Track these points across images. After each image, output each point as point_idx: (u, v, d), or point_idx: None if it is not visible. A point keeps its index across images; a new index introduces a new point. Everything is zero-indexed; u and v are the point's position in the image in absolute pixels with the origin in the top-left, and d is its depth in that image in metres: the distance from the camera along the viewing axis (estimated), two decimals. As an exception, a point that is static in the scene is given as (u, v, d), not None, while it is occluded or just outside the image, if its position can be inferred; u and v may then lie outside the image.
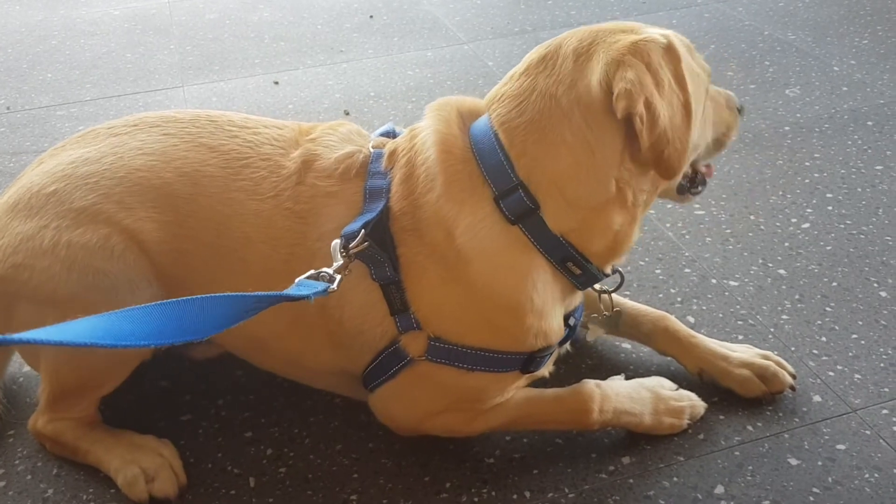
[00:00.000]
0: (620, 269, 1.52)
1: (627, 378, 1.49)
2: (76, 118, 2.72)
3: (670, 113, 1.17)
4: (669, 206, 2.10)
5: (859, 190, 2.13)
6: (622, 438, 1.43)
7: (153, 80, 3.00)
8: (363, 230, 1.20)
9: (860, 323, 1.68)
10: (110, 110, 2.77)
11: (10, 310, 1.32)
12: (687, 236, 1.98)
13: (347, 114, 2.65)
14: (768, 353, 1.53)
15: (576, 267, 1.26)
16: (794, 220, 2.02)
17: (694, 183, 1.44)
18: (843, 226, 1.99)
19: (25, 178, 1.39)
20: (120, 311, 0.89)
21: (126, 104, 2.81)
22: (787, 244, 1.94)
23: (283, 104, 2.77)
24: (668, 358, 1.57)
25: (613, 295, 1.56)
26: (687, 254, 1.92)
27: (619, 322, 1.57)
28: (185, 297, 0.95)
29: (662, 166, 1.19)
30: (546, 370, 1.41)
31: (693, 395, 1.46)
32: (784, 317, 1.71)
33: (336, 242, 1.18)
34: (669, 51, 1.20)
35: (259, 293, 1.01)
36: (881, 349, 1.61)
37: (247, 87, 2.91)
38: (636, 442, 1.42)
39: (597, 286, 1.46)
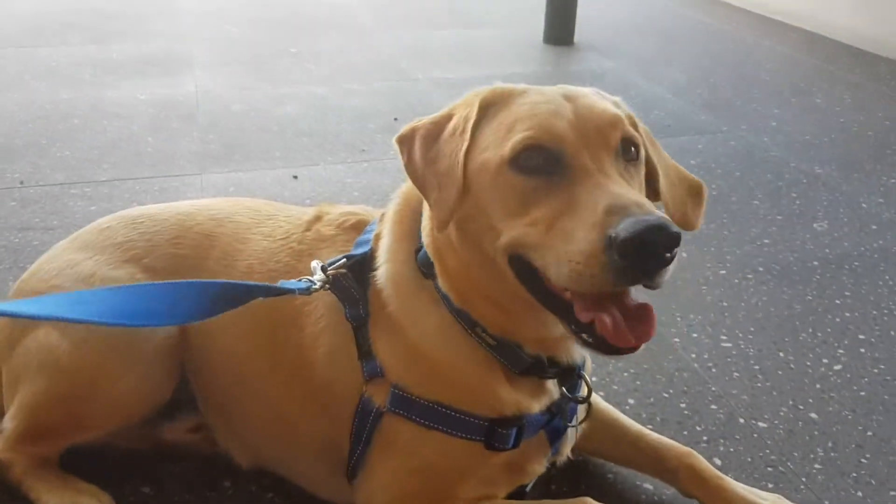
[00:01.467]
0: (588, 379, 1.32)
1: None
2: (89, 198, 2.67)
3: (434, 160, 1.16)
4: (695, 335, 2.00)
5: (892, 333, 2.04)
6: None
7: (172, 165, 2.97)
8: (344, 259, 1.29)
9: (901, 480, 1.55)
10: (125, 193, 2.73)
11: (31, 330, 1.37)
12: (714, 370, 1.88)
13: (396, 120, 2.60)
14: (801, 507, 1.41)
15: (486, 335, 1.20)
16: (825, 361, 1.92)
17: (581, 326, 1.06)
18: (876, 370, 1.89)
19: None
20: (117, 286, 1.06)
21: (142, 188, 2.77)
22: (818, 386, 1.83)
23: (300, 198, 2.72)
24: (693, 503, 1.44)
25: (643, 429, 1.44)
26: (714, 388, 1.81)
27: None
28: (182, 280, 1.08)
29: (433, 214, 1.16)
30: (529, 463, 1.29)
31: None
32: (817, 466, 1.59)
33: (315, 262, 1.28)
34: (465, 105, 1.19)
35: (250, 283, 1.15)
36: (925, 512, 1.48)
37: (266, 179, 2.88)
38: None
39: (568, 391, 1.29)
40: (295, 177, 2.90)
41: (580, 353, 1.28)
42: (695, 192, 1.29)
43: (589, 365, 1.39)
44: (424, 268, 1.24)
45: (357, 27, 5.11)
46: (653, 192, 1.23)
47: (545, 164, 1.08)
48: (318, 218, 1.43)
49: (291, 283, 1.23)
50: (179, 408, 1.52)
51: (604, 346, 1.04)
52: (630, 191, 1.04)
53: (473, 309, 1.21)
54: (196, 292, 1.10)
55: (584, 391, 1.32)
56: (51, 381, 1.35)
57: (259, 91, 3.82)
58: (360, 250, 1.32)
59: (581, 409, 1.35)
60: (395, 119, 3.46)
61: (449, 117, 1.19)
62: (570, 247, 1.00)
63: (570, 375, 1.28)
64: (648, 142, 1.23)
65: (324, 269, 1.27)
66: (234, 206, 1.52)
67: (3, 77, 3.89)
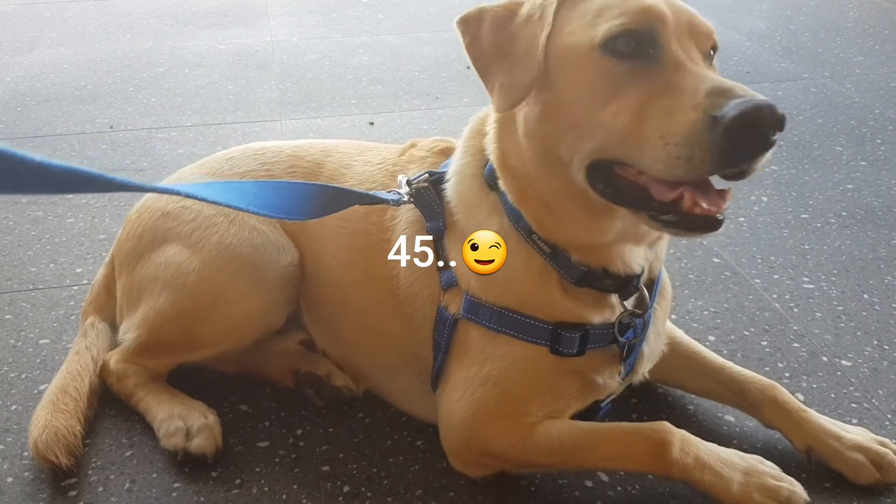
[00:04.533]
0: (645, 291, 1.32)
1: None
2: (176, 141, 2.76)
3: (501, 41, 1.18)
4: (776, 276, 1.99)
5: (983, 278, 1.99)
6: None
7: (252, 112, 3.04)
8: (427, 174, 1.35)
9: None
10: (209, 137, 2.81)
11: (160, 245, 1.46)
12: (795, 310, 1.87)
13: (469, 68, 2.63)
14: (886, 440, 1.41)
15: (542, 242, 1.24)
16: (912, 303, 1.89)
17: (661, 208, 1.06)
18: (966, 314, 1.85)
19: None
20: (254, 182, 1.15)
21: (224, 132, 2.85)
22: (904, 327, 1.81)
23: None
24: (777, 436, 1.45)
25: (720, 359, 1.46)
26: (795, 328, 1.81)
27: None
28: (294, 182, 1.22)
29: (493, 97, 1.17)
30: (600, 375, 1.29)
31: (796, 482, 1.28)
32: (903, 404, 1.58)
33: (402, 177, 1.36)
34: None
35: (355, 189, 1.31)
36: None
37: (342, 126, 2.93)
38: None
39: (627, 303, 1.31)
40: (371, 123, 2.94)
41: (637, 262, 1.27)
42: None
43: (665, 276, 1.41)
44: (490, 180, 1.29)
45: (427, -22, 5.09)
46: None
47: (637, 49, 1.07)
48: (412, 145, 1.51)
49: (383, 193, 1.31)
50: (282, 330, 1.59)
51: (688, 223, 1.04)
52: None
53: (530, 213, 1.24)
54: (316, 192, 1.18)
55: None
56: (176, 297, 1.42)
57: (332, 40, 3.86)
58: (440, 169, 1.38)
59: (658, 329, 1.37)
60: (468, 67, 3.45)
61: (519, 3, 1.20)
62: (668, 129, 0.99)
63: (627, 288, 1.28)
64: None
65: (408, 183, 1.34)
66: (340, 142, 1.62)
67: (88, 28, 4.01)
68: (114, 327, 1.59)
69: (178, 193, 0.99)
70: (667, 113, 1.01)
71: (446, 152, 1.44)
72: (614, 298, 1.29)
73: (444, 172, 1.36)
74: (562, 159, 1.15)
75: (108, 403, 1.54)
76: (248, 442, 1.47)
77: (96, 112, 3.02)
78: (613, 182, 1.11)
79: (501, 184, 1.26)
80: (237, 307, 1.43)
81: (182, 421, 1.42)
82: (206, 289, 1.41)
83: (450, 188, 1.33)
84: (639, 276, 1.29)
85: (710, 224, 1.04)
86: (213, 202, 1.00)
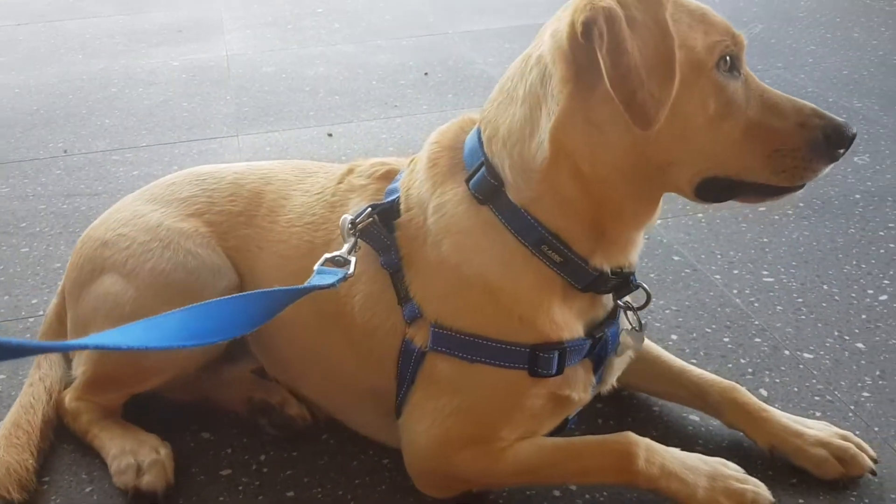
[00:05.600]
0: (645, 286, 1.36)
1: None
2: (131, 163, 2.72)
3: (644, 52, 1.06)
4: (736, 271, 2.00)
5: (939, 262, 2.02)
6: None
7: (208, 129, 3.01)
8: (370, 208, 1.29)
9: (950, 404, 1.55)
10: (165, 156, 2.77)
11: (98, 276, 1.45)
12: (756, 304, 1.88)
13: (426, 75, 2.60)
14: (847, 433, 1.41)
15: (553, 252, 1.19)
16: (870, 292, 1.91)
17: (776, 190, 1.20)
18: (923, 299, 1.88)
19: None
20: (159, 316, 1.00)
21: (181, 151, 2.81)
22: (864, 316, 1.82)
23: (336, 155, 2.74)
24: (742, 434, 1.45)
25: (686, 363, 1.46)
26: (757, 322, 1.82)
27: (642, 340, 1.40)
28: (220, 298, 1.07)
29: (635, 112, 1.06)
30: (574, 391, 1.29)
31: (760, 484, 1.29)
32: (865, 394, 1.59)
33: (346, 217, 1.28)
34: None
35: (293, 287, 1.13)
36: (975, 434, 1.48)
37: (301, 139, 2.91)
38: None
39: (623, 300, 1.33)
40: (330, 135, 2.92)
41: (637, 254, 1.29)
42: None
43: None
44: (481, 192, 1.22)
45: (382, -16, 5.08)
46: None
47: (731, 70, 1.15)
48: (350, 171, 1.45)
49: (325, 277, 1.18)
50: (233, 358, 1.57)
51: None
52: None
53: (565, 220, 1.19)
54: (246, 304, 1.10)
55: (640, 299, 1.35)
56: (115, 327, 1.39)
57: (288, 52, 3.84)
58: (389, 198, 1.33)
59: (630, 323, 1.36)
60: (426, 74, 3.46)
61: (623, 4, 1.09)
62: (784, 144, 1.15)
63: (626, 285, 1.29)
64: None
65: (353, 224, 1.27)
66: (283, 166, 1.56)
67: (38, 51, 3.96)
68: (67, 357, 1.56)
69: (86, 348, 0.95)
70: (775, 130, 1.15)
71: (388, 176, 1.39)
72: (606, 297, 1.30)
73: (390, 203, 1.31)
74: (661, 168, 1.16)
75: (66, 439, 1.51)
76: (211, 471, 1.45)
77: (49, 137, 2.97)
78: (729, 193, 1.20)
79: (527, 193, 1.19)
80: None
81: (133, 457, 1.40)
82: (143, 316, 1.36)
83: (431, 218, 1.25)
84: (633, 271, 1.30)
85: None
86: (130, 348, 0.95)
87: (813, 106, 1.17)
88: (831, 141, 1.14)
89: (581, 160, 1.16)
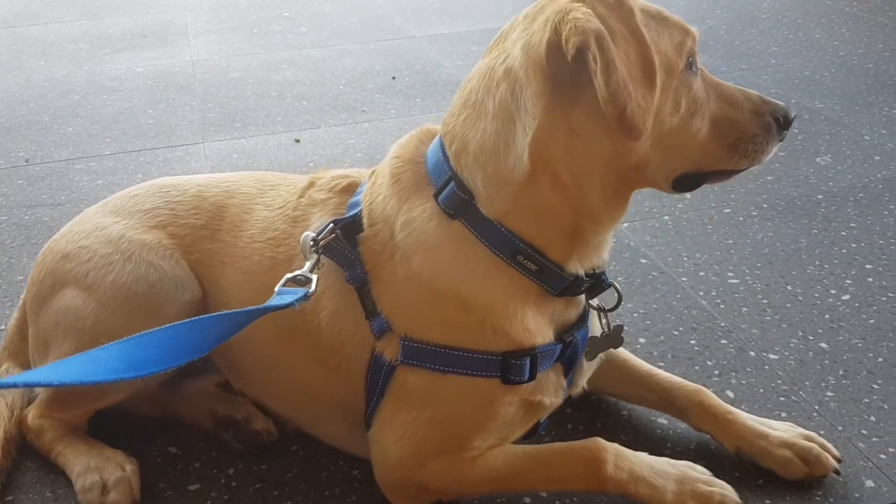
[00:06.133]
0: (616, 285, 1.36)
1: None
2: (95, 172, 2.69)
3: (627, 64, 1.08)
4: (702, 273, 2.02)
5: (899, 261, 2.05)
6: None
7: (174, 136, 2.98)
8: (332, 224, 1.28)
9: (911, 402, 1.58)
10: (129, 165, 2.74)
11: (59, 290, 1.43)
12: (722, 306, 1.90)
13: (394, 79, 2.57)
14: (812, 433, 1.43)
15: (528, 261, 1.20)
16: (833, 292, 1.94)
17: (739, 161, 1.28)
18: (885, 298, 1.91)
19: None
20: (99, 348, 0.96)
21: (146, 159, 2.78)
22: (827, 316, 1.85)
23: (304, 161, 2.73)
24: (709, 437, 1.46)
25: (652, 366, 1.47)
26: (723, 324, 1.84)
27: (620, 341, 1.42)
28: (178, 322, 1.05)
29: (626, 125, 1.08)
30: (546, 396, 1.29)
31: (727, 486, 1.31)
32: (829, 393, 1.61)
33: (307, 234, 1.27)
34: (620, 4, 1.12)
35: (247, 308, 1.12)
36: (936, 431, 1.51)
37: (268, 145, 2.88)
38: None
39: (594, 302, 1.34)
40: (297, 140, 2.91)
41: (608, 253, 1.33)
42: None
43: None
44: (451, 207, 1.21)
45: (349, -12, 5.06)
46: None
47: (691, 67, 1.21)
48: (311, 184, 1.44)
49: (285, 297, 1.17)
50: (197, 372, 1.56)
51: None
52: None
53: (540, 229, 1.20)
54: (194, 329, 1.08)
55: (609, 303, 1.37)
56: (78, 343, 1.37)
57: (255, 57, 3.81)
58: (351, 212, 1.32)
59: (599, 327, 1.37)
60: (393, 78, 3.45)
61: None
62: (744, 132, 1.25)
63: (598, 285, 1.31)
64: None
65: (315, 241, 1.26)
66: (246, 179, 1.55)
67: (-2, 58, 3.89)
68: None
69: (16, 386, 0.91)
70: (735, 122, 1.24)
71: (349, 189, 1.38)
72: (579, 298, 1.31)
73: (352, 217, 1.30)
74: (639, 170, 1.20)
75: (30, 456, 1.49)
76: (178, 486, 1.43)
77: (10, 146, 2.92)
78: (700, 181, 1.28)
79: (502, 206, 1.18)
80: None
81: (98, 474, 1.38)
82: (104, 330, 1.36)
83: (404, 241, 1.24)
84: (604, 270, 1.32)
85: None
86: (62, 384, 0.92)
87: (757, 93, 1.28)
88: (780, 124, 1.27)
89: (562, 170, 1.17)
